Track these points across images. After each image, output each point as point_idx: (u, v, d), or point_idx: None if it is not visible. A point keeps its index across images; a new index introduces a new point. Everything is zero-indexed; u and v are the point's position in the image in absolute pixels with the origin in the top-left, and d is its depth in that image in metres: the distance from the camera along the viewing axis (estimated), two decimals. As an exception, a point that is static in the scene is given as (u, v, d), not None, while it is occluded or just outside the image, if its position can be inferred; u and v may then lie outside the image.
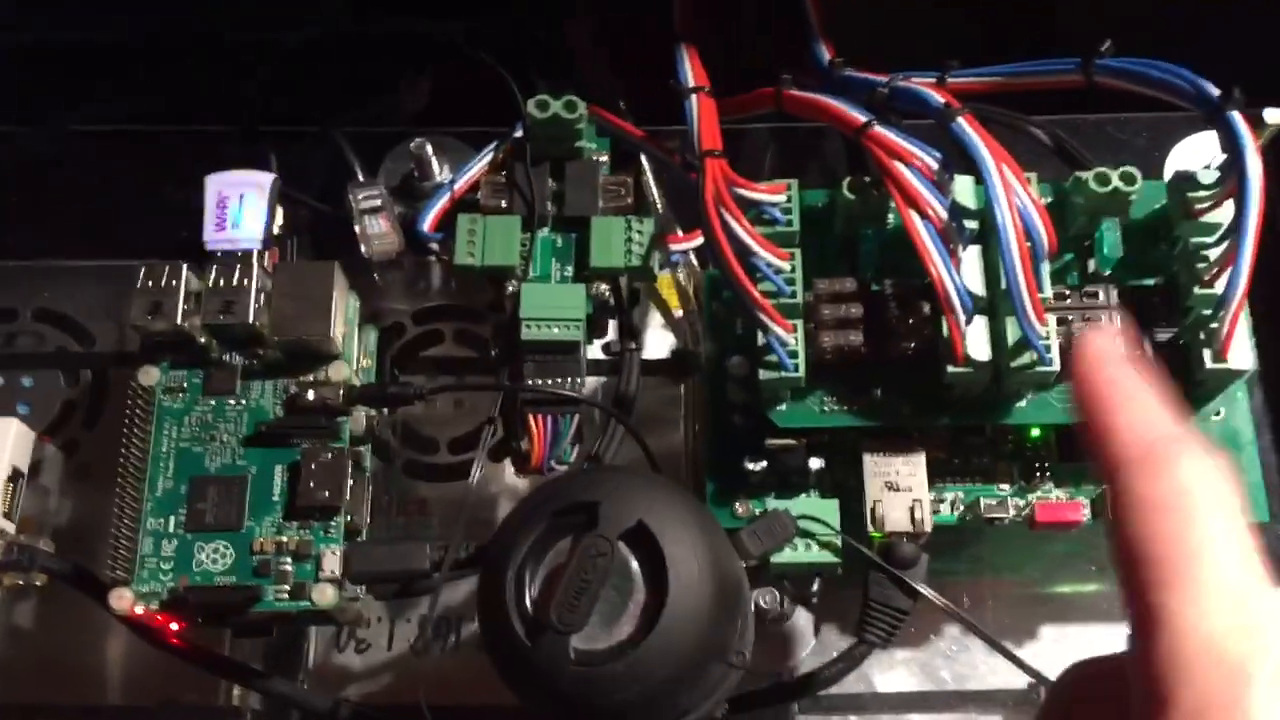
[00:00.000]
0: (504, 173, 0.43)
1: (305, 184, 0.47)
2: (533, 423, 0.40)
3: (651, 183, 0.46)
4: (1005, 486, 0.40)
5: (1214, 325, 0.37)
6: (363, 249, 0.46)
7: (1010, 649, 0.40)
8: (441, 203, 0.43)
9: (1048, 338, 0.36)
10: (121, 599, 0.38)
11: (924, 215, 0.37)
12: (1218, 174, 0.38)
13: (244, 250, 0.41)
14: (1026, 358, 0.36)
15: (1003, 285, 0.36)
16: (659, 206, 0.47)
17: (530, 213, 0.42)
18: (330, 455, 0.39)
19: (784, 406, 0.39)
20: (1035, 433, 0.40)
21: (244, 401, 0.40)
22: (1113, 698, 0.26)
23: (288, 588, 0.38)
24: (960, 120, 0.38)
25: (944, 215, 0.37)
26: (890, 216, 0.41)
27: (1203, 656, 0.23)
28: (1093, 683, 0.29)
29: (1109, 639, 0.25)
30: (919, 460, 0.39)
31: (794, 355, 0.38)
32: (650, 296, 0.48)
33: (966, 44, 0.49)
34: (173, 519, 0.39)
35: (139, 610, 0.38)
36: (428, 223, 0.43)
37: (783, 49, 0.52)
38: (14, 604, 0.44)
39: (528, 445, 0.40)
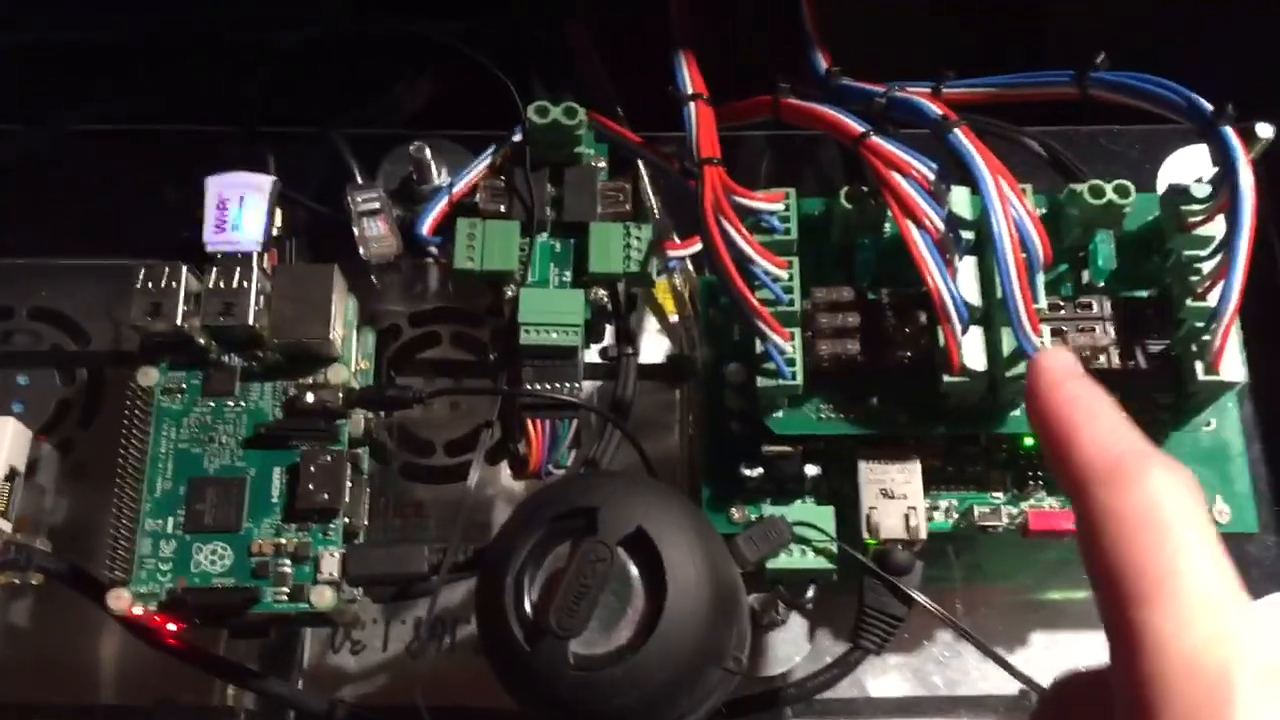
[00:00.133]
0: (503, 177, 0.43)
1: (302, 185, 0.47)
2: (531, 427, 0.40)
3: (648, 189, 0.46)
4: (999, 495, 0.40)
5: (1206, 337, 0.37)
6: (361, 251, 0.46)
7: (1002, 655, 0.40)
8: (440, 206, 0.44)
9: (1042, 348, 0.37)
10: (119, 600, 0.38)
11: (921, 226, 0.37)
12: (1210, 188, 0.39)
13: (244, 252, 0.41)
14: (1021, 367, 0.37)
15: (998, 295, 0.36)
16: (656, 212, 0.47)
17: (529, 218, 0.42)
18: (329, 458, 0.39)
19: (781, 413, 0.40)
20: (1029, 442, 0.40)
21: (243, 403, 0.40)
22: (1101, 706, 0.26)
23: (286, 589, 0.38)
24: (957, 132, 0.38)
25: (941, 226, 0.37)
26: (887, 226, 0.41)
27: (1184, 668, 0.23)
28: (1081, 693, 0.29)
29: (1100, 646, 0.25)
30: (914, 468, 0.39)
31: (792, 363, 0.38)
32: (646, 302, 0.48)
33: (959, 52, 0.50)
34: (171, 520, 0.39)
35: (137, 611, 0.38)
36: (427, 226, 0.43)
37: (778, 48, 0.52)
38: (9, 603, 0.44)
39: (525, 449, 0.40)
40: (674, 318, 0.49)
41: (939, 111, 0.39)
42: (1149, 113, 0.40)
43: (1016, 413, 0.39)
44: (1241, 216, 0.36)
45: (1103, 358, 0.39)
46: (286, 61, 0.54)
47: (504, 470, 0.46)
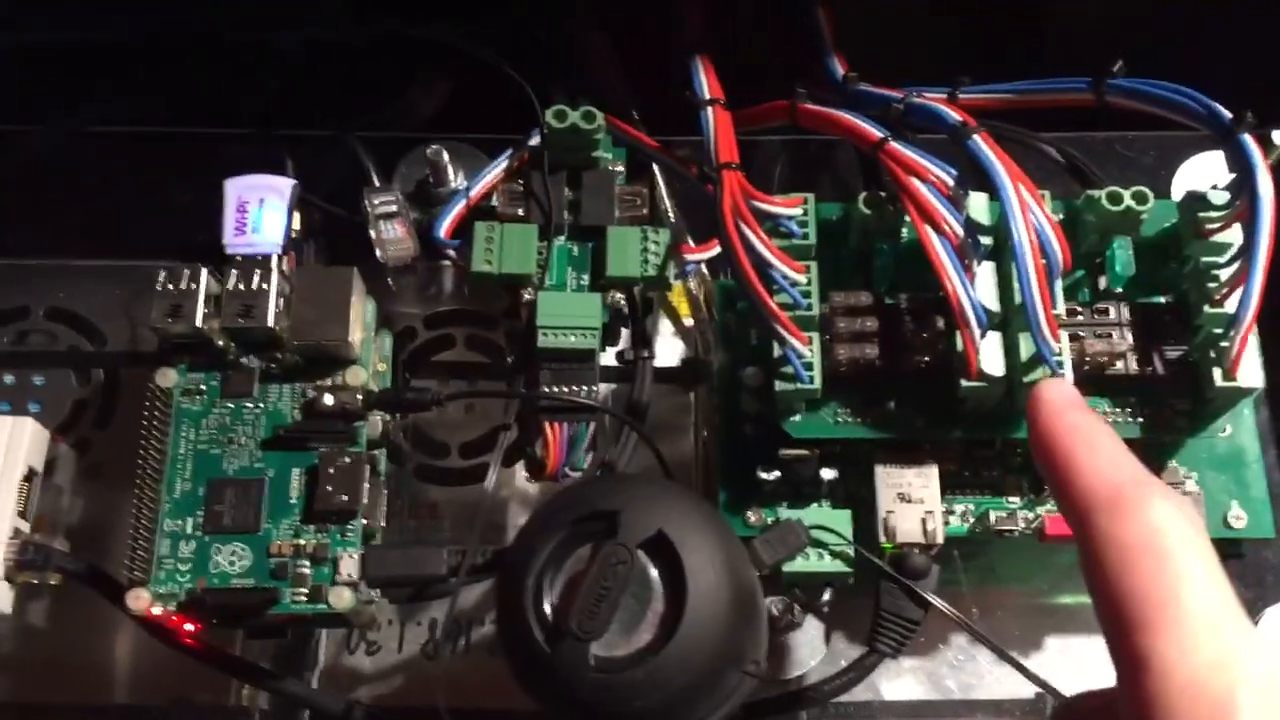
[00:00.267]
0: (521, 181, 0.43)
1: (316, 187, 0.47)
2: (549, 430, 0.40)
3: (664, 193, 0.46)
4: (1015, 499, 0.41)
5: (1224, 344, 0.37)
6: (378, 254, 0.47)
7: (1017, 659, 0.40)
8: (458, 209, 0.44)
9: (1060, 354, 0.37)
10: (139, 600, 0.38)
11: (940, 231, 0.37)
12: (1228, 194, 0.39)
13: (263, 254, 0.41)
14: (1039, 373, 0.37)
15: (1017, 301, 0.37)
16: (671, 216, 0.47)
17: (547, 221, 0.42)
18: (348, 459, 0.39)
19: (798, 417, 0.40)
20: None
21: (261, 405, 0.40)
22: None
23: (305, 590, 0.38)
24: (976, 138, 0.38)
25: (960, 231, 0.37)
26: (904, 231, 0.41)
27: (1188, 693, 0.24)
28: (1089, 714, 0.30)
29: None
30: (931, 472, 0.39)
31: (810, 367, 0.38)
32: (661, 305, 0.48)
33: (958, 53, 0.50)
34: (190, 521, 0.39)
35: (156, 611, 0.38)
36: (444, 229, 0.43)
37: (778, 49, 0.52)
38: (26, 603, 0.44)
39: (543, 452, 0.40)
40: (689, 321, 0.49)
41: (958, 117, 0.39)
42: (1163, 119, 0.40)
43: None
44: (1261, 223, 0.36)
45: (1120, 363, 0.39)
46: (301, 65, 0.54)
47: (519, 472, 0.47)
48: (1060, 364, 0.37)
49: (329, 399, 0.40)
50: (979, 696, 0.44)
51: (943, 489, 0.40)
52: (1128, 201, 0.39)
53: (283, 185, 0.42)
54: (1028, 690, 0.42)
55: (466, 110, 0.53)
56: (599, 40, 0.51)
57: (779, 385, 0.38)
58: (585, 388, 0.40)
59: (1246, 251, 0.36)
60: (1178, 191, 0.49)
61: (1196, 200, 0.39)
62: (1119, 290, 0.40)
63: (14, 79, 0.55)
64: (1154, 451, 0.40)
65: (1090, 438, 0.29)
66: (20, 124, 0.53)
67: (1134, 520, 0.26)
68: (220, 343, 0.41)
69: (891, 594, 0.39)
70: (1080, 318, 0.40)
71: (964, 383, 0.37)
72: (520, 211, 0.43)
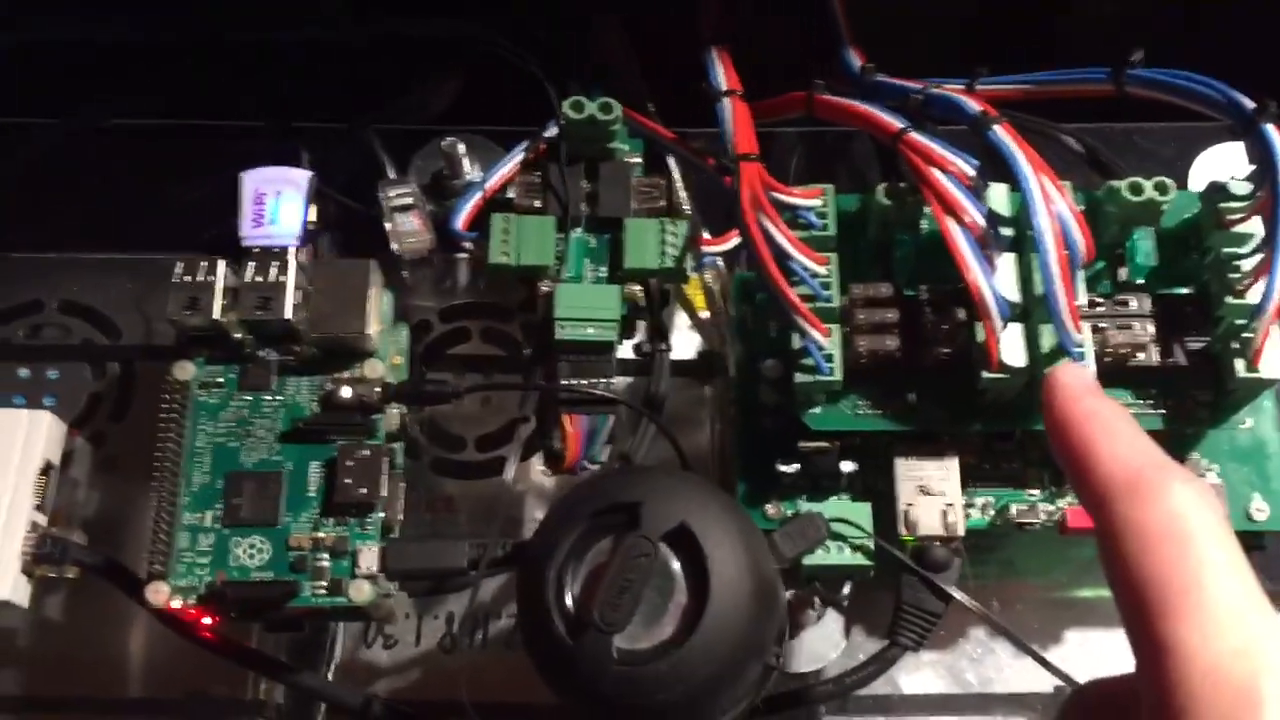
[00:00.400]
0: (537, 173, 0.43)
1: (329, 180, 0.47)
2: (568, 423, 0.40)
3: (679, 185, 0.46)
4: (1035, 492, 0.40)
5: (1247, 335, 0.37)
6: (394, 246, 0.46)
7: (1039, 652, 0.40)
8: (474, 201, 0.43)
9: (1083, 345, 0.37)
10: (158, 593, 0.38)
11: (961, 222, 0.37)
12: (1250, 185, 0.39)
13: (280, 247, 0.41)
14: (1060, 364, 0.37)
15: (1039, 292, 0.36)
16: (687, 208, 0.47)
17: (564, 213, 0.42)
18: (367, 452, 0.39)
19: (818, 409, 0.40)
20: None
21: (279, 398, 0.40)
22: (1121, 713, 0.26)
23: (325, 584, 0.38)
24: (997, 128, 0.38)
25: (981, 222, 0.37)
26: (924, 223, 0.41)
27: (1211, 679, 0.24)
28: (1102, 701, 0.30)
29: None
30: (952, 465, 0.39)
31: (830, 359, 0.38)
32: (677, 298, 0.48)
33: (974, 47, 0.50)
34: (209, 514, 0.39)
35: (175, 604, 0.38)
36: (461, 221, 0.43)
37: (794, 39, 0.52)
38: (43, 596, 0.44)
39: (561, 444, 0.40)
40: (704, 314, 0.49)
41: (978, 108, 0.39)
42: (1182, 110, 0.40)
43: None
44: (1284, 214, 0.36)
45: (1142, 355, 0.39)
46: (316, 58, 0.54)
47: (535, 465, 0.47)
48: (1082, 355, 0.37)
49: (347, 392, 0.40)
50: (998, 690, 0.44)
51: (963, 481, 0.39)
52: (1149, 192, 0.39)
53: (299, 177, 0.42)
54: (1047, 684, 0.42)
55: (479, 103, 0.53)
56: (615, 32, 0.51)
57: (799, 377, 0.38)
58: (603, 380, 0.40)
59: (1269, 242, 0.36)
60: (1195, 183, 0.49)
61: (1218, 191, 0.39)
62: (1140, 281, 0.40)
63: (24, 75, 0.55)
64: (1175, 443, 0.40)
65: (1108, 423, 0.29)
66: (31, 118, 0.53)
67: (1155, 505, 0.26)
68: (238, 335, 0.40)
69: (912, 587, 0.38)
70: (1101, 309, 0.39)
71: (985, 374, 0.37)
72: (537, 203, 0.43)
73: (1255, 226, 0.38)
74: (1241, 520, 0.40)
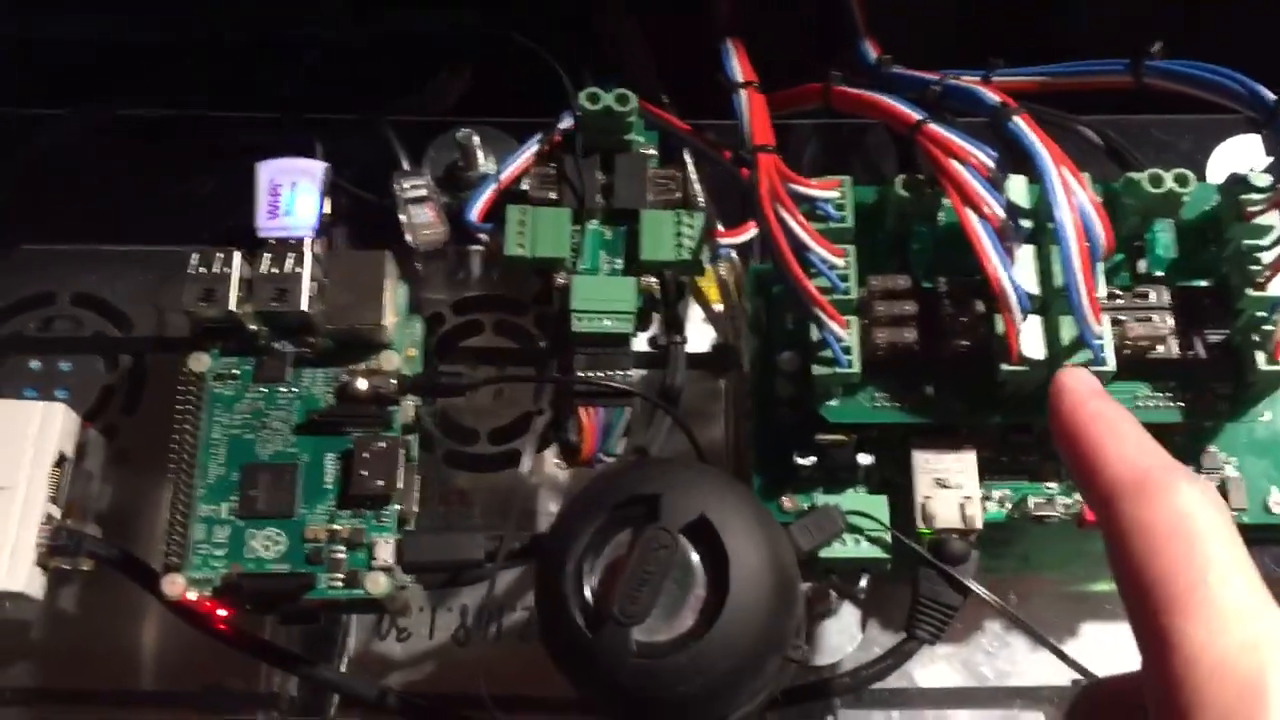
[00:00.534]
0: (553, 164, 0.43)
1: (343, 172, 0.47)
2: (584, 415, 0.40)
3: (694, 176, 0.46)
4: (1053, 485, 0.40)
5: (1266, 328, 0.37)
6: (408, 238, 0.46)
7: (1056, 645, 0.40)
8: (489, 192, 0.43)
9: (1103, 337, 0.36)
10: (174, 585, 0.38)
11: (981, 214, 0.37)
12: (1270, 177, 0.38)
13: (295, 238, 0.41)
14: (1081, 357, 0.36)
15: (1059, 284, 0.36)
16: (701, 200, 0.47)
17: (580, 205, 0.42)
18: (384, 444, 0.39)
19: (835, 402, 0.39)
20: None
21: (295, 389, 0.40)
22: (1126, 711, 0.27)
23: (341, 576, 0.38)
24: (1017, 119, 0.38)
25: (1001, 213, 0.37)
26: (941, 215, 0.41)
27: (1216, 675, 0.24)
28: (1107, 700, 0.30)
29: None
30: (970, 457, 0.39)
31: (849, 351, 0.38)
32: (691, 290, 0.48)
33: (989, 38, 0.49)
34: (225, 505, 0.39)
35: (191, 596, 0.38)
36: (476, 212, 0.43)
37: (783, 32, 0.52)
38: (57, 589, 0.44)
39: (578, 437, 0.40)
40: (718, 306, 0.49)
41: (997, 99, 0.39)
42: (1200, 102, 0.40)
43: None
44: (1305, 206, 0.35)
45: (1161, 347, 0.39)
46: (330, 50, 0.54)
47: (549, 458, 0.46)
48: (1102, 347, 0.36)
49: (363, 383, 0.39)
50: (1015, 684, 0.43)
51: (980, 474, 0.39)
52: (1169, 184, 0.39)
53: (314, 168, 0.42)
54: (1063, 677, 0.42)
55: (491, 94, 0.53)
56: (630, 22, 0.51)
57: (817, 370, 0.38)
58: (619, 372, 0.40)
59: (1291, 235, 0.36)
60: (1212, 175, 0.49)
61: (1238, 183, 0.39)
62: (1159, 274, 0.40)
63: (58, 65, 0.55)
64: (1194, 436, 0.40)
65: (1115, 425, 0.29)
66: (43, 109, 0.53)
67: (1162, 505, 0.26)
68: (253, 327, 0.40)
69: (930, 580, 0.38)
70: (1120, 301, 0.39)
71: (1004, 367, 0.37)
72: (552, 195, 0.42)
73: (1276, 219, 0.38)
74: (1259, 513, 0.39)
